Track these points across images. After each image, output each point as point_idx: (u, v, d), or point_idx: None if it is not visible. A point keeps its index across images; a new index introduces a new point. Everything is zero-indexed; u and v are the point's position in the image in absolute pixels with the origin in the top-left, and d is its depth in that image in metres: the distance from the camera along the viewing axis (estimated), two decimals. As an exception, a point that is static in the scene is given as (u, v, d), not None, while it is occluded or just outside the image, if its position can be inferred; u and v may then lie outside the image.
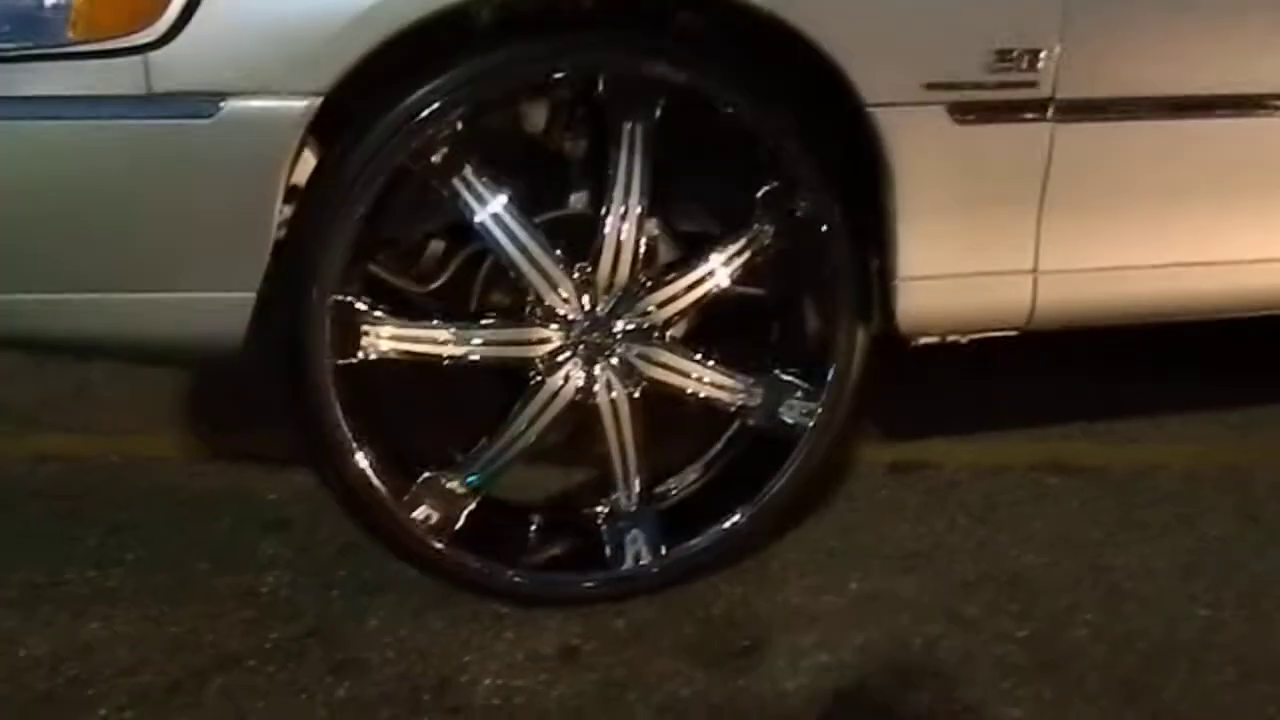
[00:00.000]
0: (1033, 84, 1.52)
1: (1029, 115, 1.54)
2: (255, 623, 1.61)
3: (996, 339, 1.72)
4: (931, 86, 1.50)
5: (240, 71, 1.36)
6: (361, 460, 1.54)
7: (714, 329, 1.68)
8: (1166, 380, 2.23)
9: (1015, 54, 1.50)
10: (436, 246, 1.65)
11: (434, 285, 1.65)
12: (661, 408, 1.67)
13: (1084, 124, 1.57)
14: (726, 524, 1.67)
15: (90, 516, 1.84)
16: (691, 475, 1.74)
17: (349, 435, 1.53)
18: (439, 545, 1.59)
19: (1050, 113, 1.54)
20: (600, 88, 1.51)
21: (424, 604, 1.65)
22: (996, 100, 1.52)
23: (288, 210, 1.48)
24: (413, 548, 1.61)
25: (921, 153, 1.52)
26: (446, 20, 1.42)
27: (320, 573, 1.71)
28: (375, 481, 1.55)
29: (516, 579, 1.64)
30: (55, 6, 1.34)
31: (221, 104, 1.36)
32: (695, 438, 1.77)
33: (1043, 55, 1.51)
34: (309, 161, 1.50)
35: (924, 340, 1.69)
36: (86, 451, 2.02)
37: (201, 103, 1.36)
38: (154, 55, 1.34)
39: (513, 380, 1.63)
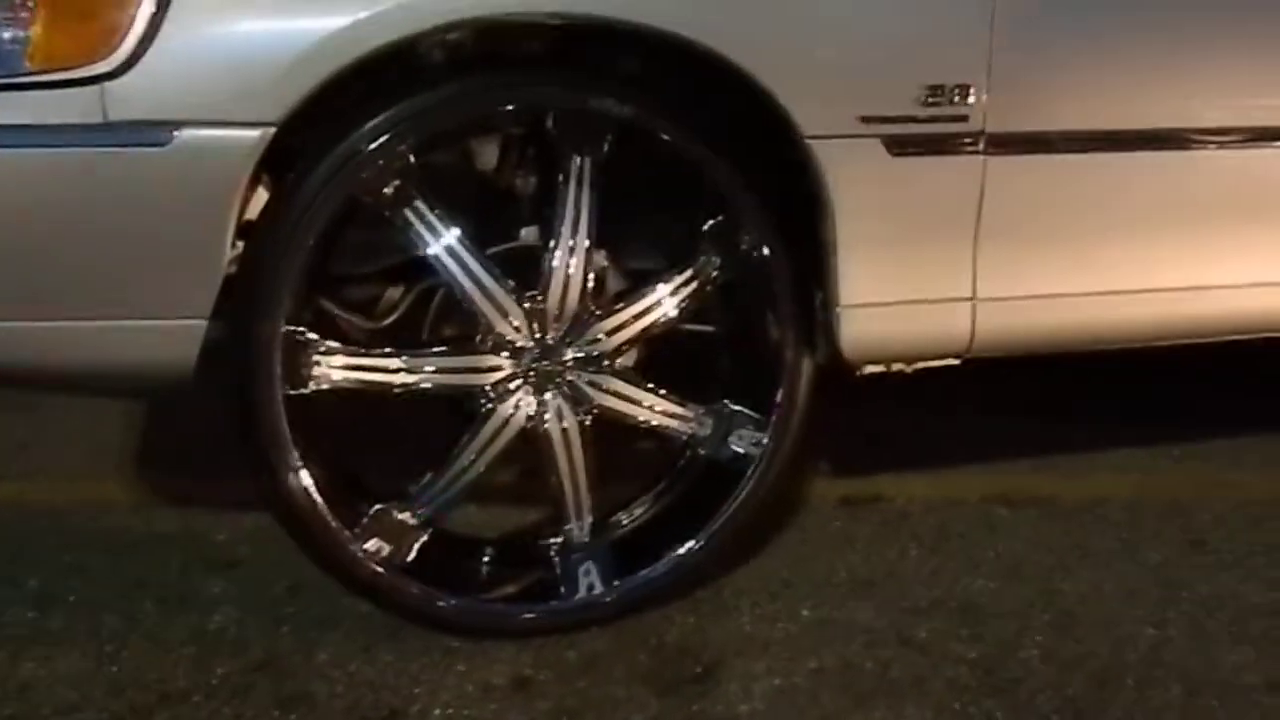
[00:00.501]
0: (964, 118, 1.59)
1: (962, 148, 1.61)
2: (202, 659, 1.60)
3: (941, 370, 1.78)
4: (867, 120, 1.57)
5: (194, 101, 1.41)
6: (308, 486, 1.55)
7: (664, 361, 1.73)
8: (1109, 416, 2.29)
9: (946, 89, 1.58)
10: (392, 292, 1.70)
11: (387, 321, 1.68)
12: (613, 440, 1.70)
13: (1015, 157, 1.64)
14: (678, 553, 1.69)
15: (32, 560, 1.83)
16: (643, 506, 1.76)
17: (297, 464, 1.55)
18: (383, 572, 1.59)
19: (982, 145, 1.61)
20: (550, 124, 1.57)
21: (374, 639, 1.64)
22: (930, 134, 1.59)
23: (239, 245, 1.52)
24: (361, 578, 1.61)
25: (859, 184, 1.58)
26: (397, 56, 1.48)
27: (269, 610, 1.71)
28: (322, 509, 1.56)
29: (466, 610, 1.64)
30: (14, 38, 1.38)
31: (176, 133, 1.40)
32: (646, 469, 1.80)
33: (972, 90, 1.59)
34: (261, 197, 1.54)
35: (869, 369, 1.74)
36: (30, 497, 2.01)
37: (157, 131, 1.40)
38: (110, 85, 1.39)
39: (463, 413, 1.65)
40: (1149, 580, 1.81)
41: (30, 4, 1.38)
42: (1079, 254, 1.71)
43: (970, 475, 2.11)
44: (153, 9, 1.38)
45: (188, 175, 1.42)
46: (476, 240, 1.58)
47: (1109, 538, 1.92)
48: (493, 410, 1.61)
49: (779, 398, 1.68)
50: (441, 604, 1.63)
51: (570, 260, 1.60)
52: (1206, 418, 2.27)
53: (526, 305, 1.60)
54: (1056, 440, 2.20)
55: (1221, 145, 1.72)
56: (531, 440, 1.64)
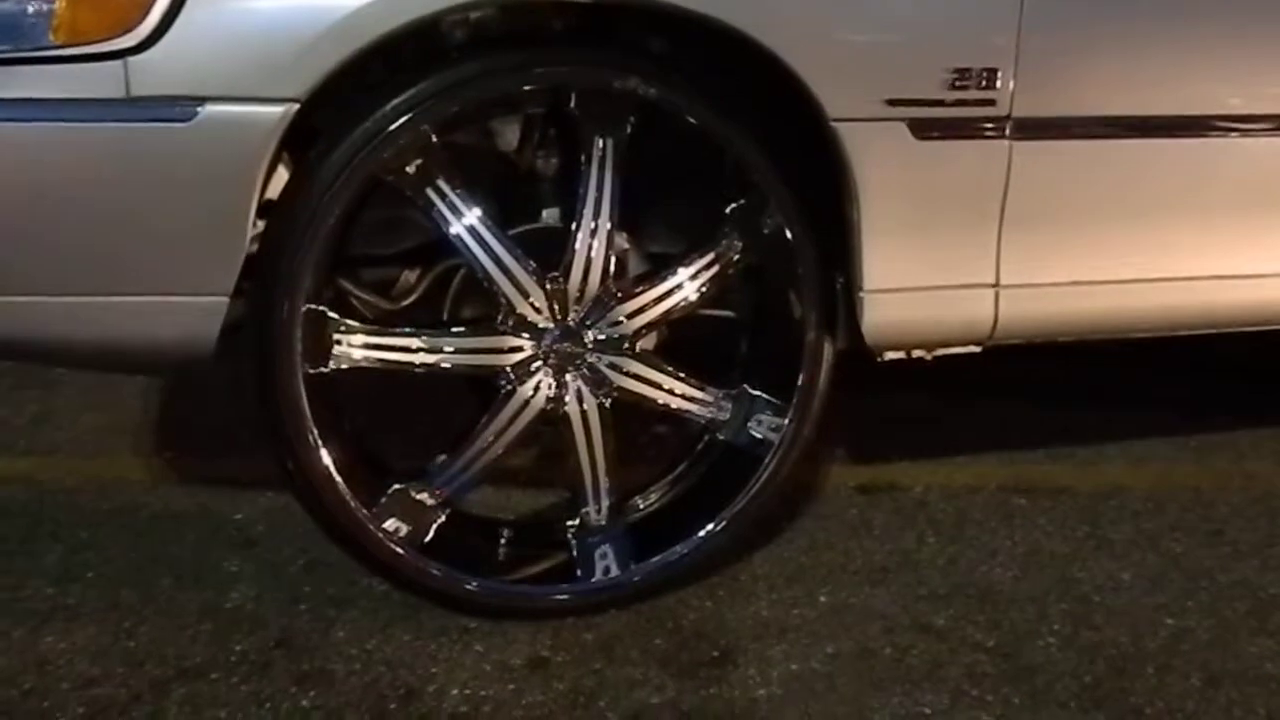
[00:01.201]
0: (991, 102, 1.60)
1: (987, 132, 1.61)
2: (219, 635, 1.62)
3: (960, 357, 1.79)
4: (893, 103, 1.57)
5: (218, 77, 1.41)
6: (328, 465, 1.56)
7: (684, 345, 1.73)
8: (1128, 405, 2.30)
9: (973, 73, 1.58)
10: (410, 274, 1.70)
11: (406, 303, 1.69)
12: (632, 423, 1.71)
13: (1041, 142, 1.64)
14: (696, 537, 1.70)
15: (50, 535, 1.85)
16: (661, 490, 1.78)
17: (317, 442, 1.56)
18: (403, 552, 1.61)
19: (1008, 130, 1.62)
20: (572, 103, 1.58)
21: (391, 617, 1.66)
22: (956, 117, 1.59)
23: (261, 224, 1.53)
24: (380, 558, 1.62)
25: (884, 168, 1.59)
26: (419, 34, 1.48)
27: (286, 588, 1.72)
28: (341, 488, 1.57)
29: (485, 591, 1.66)
30: (38, 11, 1.39)
31: (199, 108, 1.41)
32: (664, 453, 1.81)
33: (999, 74, 1.59)
34: (283, 175, 1.55)
35: (889, 355, 1.75)
36: (48, 474, 2.03)
37: (180, 106, 1.41)
38: (134, 60, 1.39)
39: (482, 395, 1.66)
40: (1168, 570, 1.82)
41: (54, -22, 1.38)
42: (1104, 241, 1.72)
43: (988, 463, 2.12)
44: (177, -17, 1.39)
45: (210, 151, 1.43)
46: (498, 220, 1.59)
47: (1128, 527, 1.93)
48: (513, 392, 1.62)
49: (800, 382, 1.69)
50: (464, 585, 1.64)
51: (592, 242, 1.60)
52: (1227, 407, 2.27)
53: (548, 286, 1.61)
54: (1074, 429, 2.21)
55: (1251, 132, 1.72)
56: (551, 422, 1.65)
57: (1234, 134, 1.72)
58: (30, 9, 1.38)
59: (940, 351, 1.76)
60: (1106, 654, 1.63)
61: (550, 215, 1.69)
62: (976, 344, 1.75)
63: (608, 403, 1.65)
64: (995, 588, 1.77)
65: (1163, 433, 2.20)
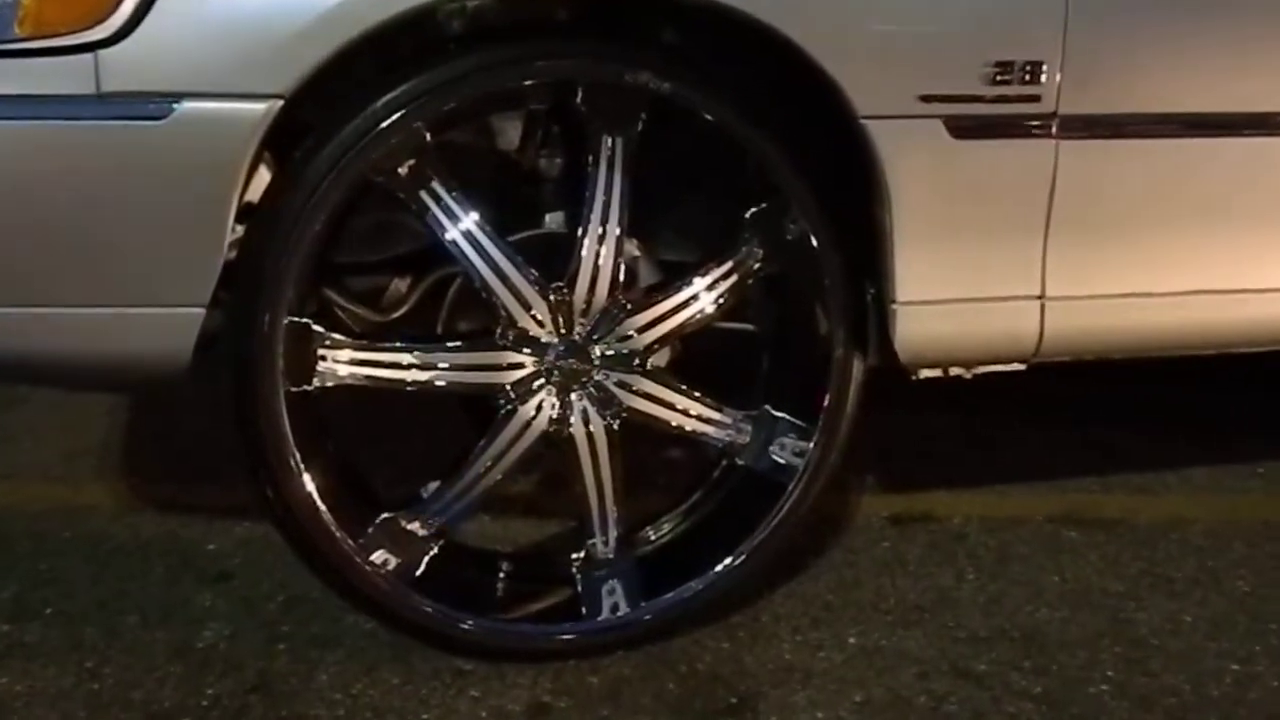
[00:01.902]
0: (1035, 98, 1.61)
1: (1032, 131, 1.63)
2: (190, 678, 1.64)
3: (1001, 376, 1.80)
4: (928, 99, 1.59)
5: (195, 71, 1.44)
6: (310, 491, 1.58)
7: (700, 362, 1.75)
8: (1187, 428, 2.31)
9: (1016, 66, 1.60)
10: (400, 283, 1.73)
11: (396, 315, 1.72)
12: (643, 447, 1.73)
13: (1091, 141, 1.66)
14: (712, 572, 1.72)
15: (6, 567, 1.87)
16: (674, 520, 1.79)
17: (299, 466, 1.58)
18: (391, 588, 1.62)
19: (1055, 129, 1.63)
20: (579, 99, 1.60)
21: (379, 659, 1.68)
22: (997, 115, 1.61)
23: (240, 230, 1.55)
24: (367, 593, 1.64)
25: (918, 169, 1.61)
26: (412, 25, 1.51)
27: (264, 626, 1.74)
28: (325, 516, 1.59)
29: (481, 630, 1.67)
30: (2, 3, 1.42)
31: (175, 105, 1.44)
32: (678, 480, 1.82)
33: (1045, 68, 1.61)
34: (264, 177, 1.58)
35: (925, 374, 1.76)
36: (5, 499, 2.06)
37: (154, 104, 1.43)
38: (105, 54, 1.42)
39: (479, 415, 1.68)
40: (1233, 611, 1.82)
41: (20, -35, 1.42)
42: (1160, 248, 1.73)
43: (1033, 492, 2.13)
44: (151, -29, 1.42)
45: (186, 151, 1.45)
46: (497, 226, 1.61)
47: (1189, 563, 1.94)
48: (513, 412, 1.64)
49: (826, 403, 1.70)
50: (459, 624, 1.65)
51: (599, 249, 1.62)
52: (1297, 432, 2.29)
53: (551, 297, 1.63)
54: (1129, 454, 2.22)
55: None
56: (554, 445, 1.66)
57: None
58: (-8, -1, 1.42)
59: (980, 369, 1.77)
60: (1165, 703, 1.63)
61: (554, 220, 1.71)
62: (1020, 361, 1.76)
63: (616, 424, 1.67)
64: (1041, 629, 1.78)
65: (1227, 459, 2.21)
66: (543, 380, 1.64)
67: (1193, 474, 2.18)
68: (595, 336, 1.65)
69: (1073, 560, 1.94)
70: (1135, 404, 2.37)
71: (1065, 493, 2.13)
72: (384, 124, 1.53)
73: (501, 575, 1.77)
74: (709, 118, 1.60)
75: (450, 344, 1.67)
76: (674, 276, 1.70)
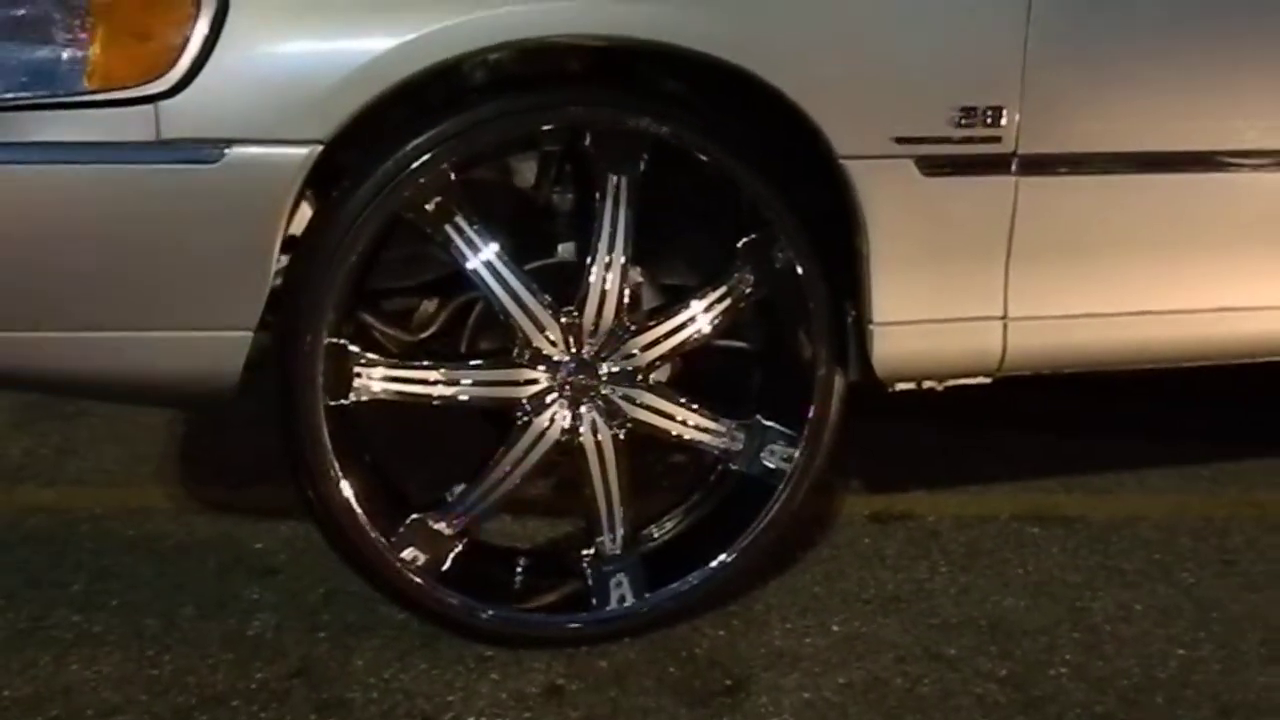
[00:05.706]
0: (997, 139, 1.64)
1: (994, 169, 1.66)
2: (240, 664, 1.66)
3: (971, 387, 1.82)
4: (901, 140, 1.62)
5: (245, 120, 1.47)
6: (349, 495, 1.61)
7: (697, 376, 1.78)
8: (1140, 434, 2.32)
9: (979, 111, 1.63)
10: (428, 306, 1.76)
11: (424, 335, 1.75)
12: (646, 454, 1.75)
13: (1048, 177, 1.69)
14: (709, 567, 1.74)
15: (75, 564, 1.90)
16: (675, 519, 1.82)
17: (338, 473, 1.61)
18: (420, 581, 1.65)
19: (1014, 167, 1.66)
20: (587, 141, 1.63)
21: (409, 646, 1.70)
22: (962, 155, 1.64)
23: (284, 260, 1.58)
24: (400, 587, 1.66)
25: (892, 203, 1.64)
26: (439, 76, 1.54)
27: (306, 616, 1.77)
28: (361, 518, 1.62)
29: (501, 619, 1.69)
30: (73, 58, 1.45)
31: (227, 150, 1.47)
32: (678, 483, 1.85)
33: (1005, 112, 1.63)
34: (306, 212, 1.61)
35: (900, 386, 1.79)
36: (72, 504, 2.08)
37: (208, 149, 1.47)
38: (164, 104, 1.46)
39: (499, 426, 1.71)
40: (1181, 600, 1.84)
41: (89, 25, 1.45)
42: (1111, 274, 1.75)
43: (1000, 492, 2.15)
44: (206, 31, 1.45)
45: (237, 191, 1.49)
46: (515, 255, 1.65)
47: (1140, 557, 1.96)
48: (529, 423, 1.67)
49: (811, 413, 1.73)
50: (481, 614, 1.68)
51: (606, 276, 1.65)
52: (1240, 437, 2.30)
53: (563, 320, 1.65)
54: (1087, 458, 2.23)
55: (1258, 167, 1.76)
56: (566, 453, 1.69)
57: (1245, 168, 1.76)
58: (65, 55, 1.45)
59: (951, 382, 1.80)
60: (1118, 685, 1.65)
61: (566, 250, 1.74)
62: (986, 375, 1.78)
63: (622, 434, 1.70)
64: (1007, 617, 1.80)
65: (1176, 462, 2.23)
66: (556, 394, 1.67)
67: (1145, 475, 2.20)
68: (603, 355, 1.68)
69: (1035, 554, 1.96)
70: (1093, 412, 2.39)
71: (1029, 493, 2.15)
72: (413, 165, 1.56)
73: (519, 570, 1.80)
74: (704, 158, 1.63)
75: (473, 362, 1.70)
76: (674, 300, 1.73)
